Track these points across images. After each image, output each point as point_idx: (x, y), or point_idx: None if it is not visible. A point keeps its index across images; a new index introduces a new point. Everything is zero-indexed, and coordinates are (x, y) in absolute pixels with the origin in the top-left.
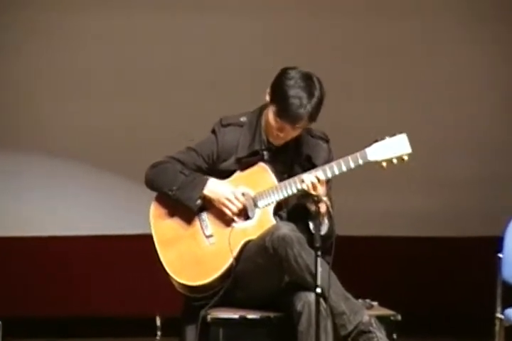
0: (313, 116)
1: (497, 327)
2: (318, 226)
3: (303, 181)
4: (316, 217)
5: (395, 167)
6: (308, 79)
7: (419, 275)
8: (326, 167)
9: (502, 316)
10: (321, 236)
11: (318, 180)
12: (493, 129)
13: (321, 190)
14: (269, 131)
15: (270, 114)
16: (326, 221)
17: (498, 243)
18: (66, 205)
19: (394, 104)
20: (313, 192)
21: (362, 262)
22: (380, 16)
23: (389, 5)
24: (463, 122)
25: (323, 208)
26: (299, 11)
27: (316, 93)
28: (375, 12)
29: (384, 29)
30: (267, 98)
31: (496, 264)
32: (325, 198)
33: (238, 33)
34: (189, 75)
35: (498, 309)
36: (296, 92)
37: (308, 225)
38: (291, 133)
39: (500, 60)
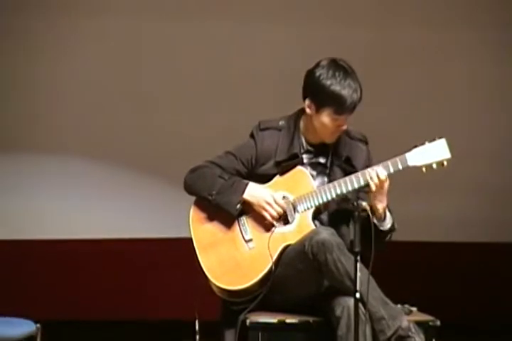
0: (361, 86)
1: None
2: (358, 231)
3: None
4: (358, 221)
5: (434, 173)
6: (336, 65)
7: (457, 281)
8: (366, 172)
9: None
10: (382, 231)
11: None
12: None
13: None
14: (325, 133)
15: (325, 118)
16: (388, 214)
17: None
18: (101, 208)
19: (426, 112)
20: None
21: (401, 267)
22: (398, 24)
23: (408, 14)
24: (490, 129)
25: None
26: (321, 18)
27: (348, 67)
28: (391, 20)
29: (400, 38)
30: (311, 110)
31: None
32: (364, 203)
33: (257, 38)
34: (205, 78)
35: None
36: (342, 84)
37: (350, 228)
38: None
39: None
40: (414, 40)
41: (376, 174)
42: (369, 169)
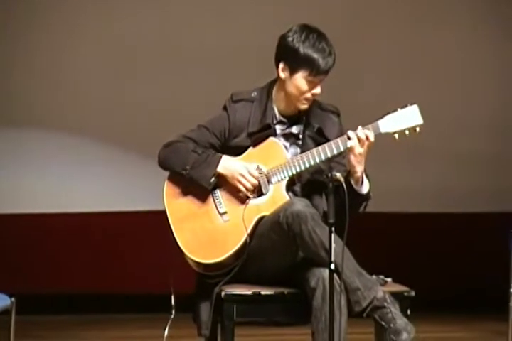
0: (334, 50)
1: (511, 303)
2: (332, 202)
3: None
4: (331, 192)
5: (410, 142)
6: (308, 29)
7: (433, 252)
8: (338, 140)
9: None
10: (360, 195)
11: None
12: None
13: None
14: (299, 99)
15: (300, 80)
16: (365, 178)
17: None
18: (76, 182)
19: (408, 80)
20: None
21: (376, 238)
22: None
23: None
24: (478, 99)
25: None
26: None
27: (320, 31)
28: None
29: (396, 7)
30: (285, 74)
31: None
32: (338, 174)
33: (242, 10)
34: (192, 52)
35: None
36: (316, 46)
37: (324, 199)
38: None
39: (510, 40)
40: (401, 4)
41: (363, 134)
42: (350, 132)
